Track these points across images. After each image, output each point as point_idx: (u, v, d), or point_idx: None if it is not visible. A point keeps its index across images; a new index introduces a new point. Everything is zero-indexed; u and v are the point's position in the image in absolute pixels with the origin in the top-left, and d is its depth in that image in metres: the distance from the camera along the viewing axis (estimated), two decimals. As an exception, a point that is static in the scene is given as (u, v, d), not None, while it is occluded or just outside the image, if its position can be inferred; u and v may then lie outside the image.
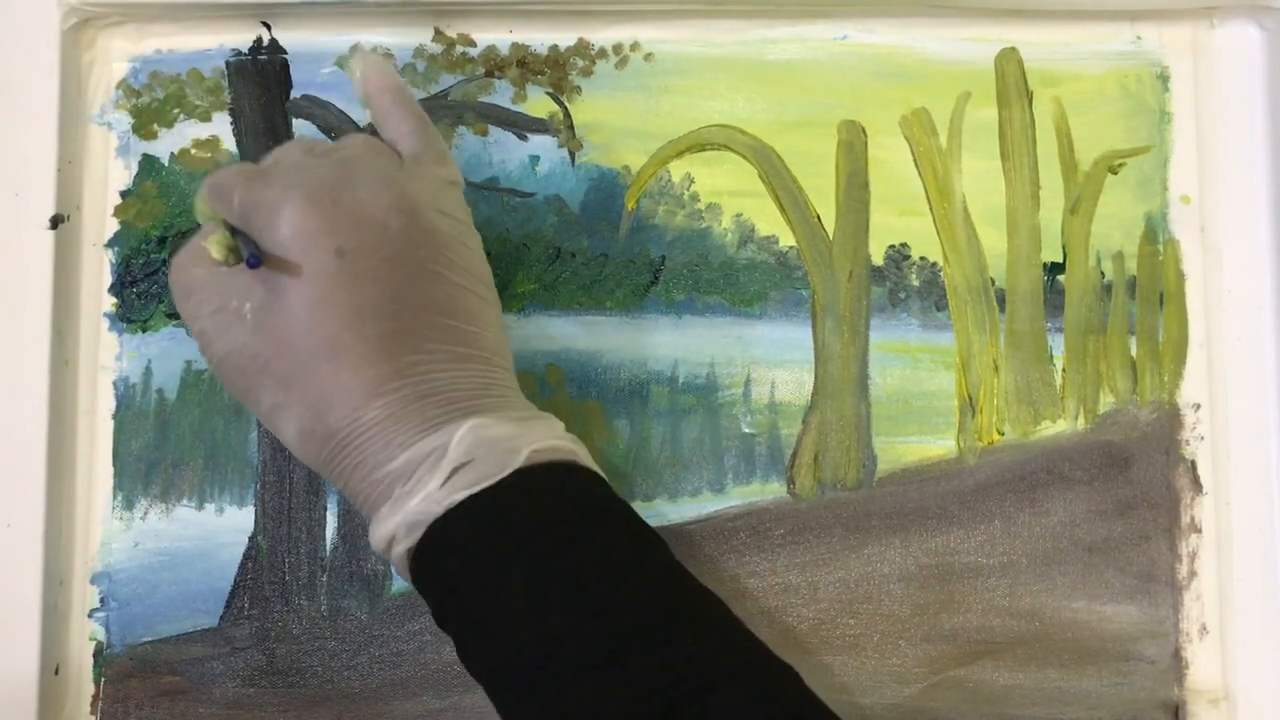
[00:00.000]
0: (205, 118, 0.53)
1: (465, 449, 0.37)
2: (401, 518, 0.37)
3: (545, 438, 0.38)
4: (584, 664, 0.34)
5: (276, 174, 0.40)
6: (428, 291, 0.39)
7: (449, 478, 0.37)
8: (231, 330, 0.39)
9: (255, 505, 0.51)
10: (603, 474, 0.40)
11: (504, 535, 0.36)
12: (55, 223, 0.50)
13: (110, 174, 0.52)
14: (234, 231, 0.41)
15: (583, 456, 0.40)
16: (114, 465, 0.51)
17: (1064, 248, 0.53)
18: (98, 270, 0.52)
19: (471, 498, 0.36)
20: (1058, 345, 0.53)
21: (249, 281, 0.39)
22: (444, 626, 0.38)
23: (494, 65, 0.53)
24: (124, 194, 0.52)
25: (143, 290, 0.52)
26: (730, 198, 0.53)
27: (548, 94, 0.53)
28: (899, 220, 0.53)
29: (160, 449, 0.51)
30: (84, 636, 0.50)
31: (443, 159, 0.43)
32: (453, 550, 0.37)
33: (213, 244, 0.40)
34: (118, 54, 0.53)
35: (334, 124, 0.53)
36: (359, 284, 0.38)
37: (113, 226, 0.52)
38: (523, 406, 0.40)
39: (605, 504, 0.39)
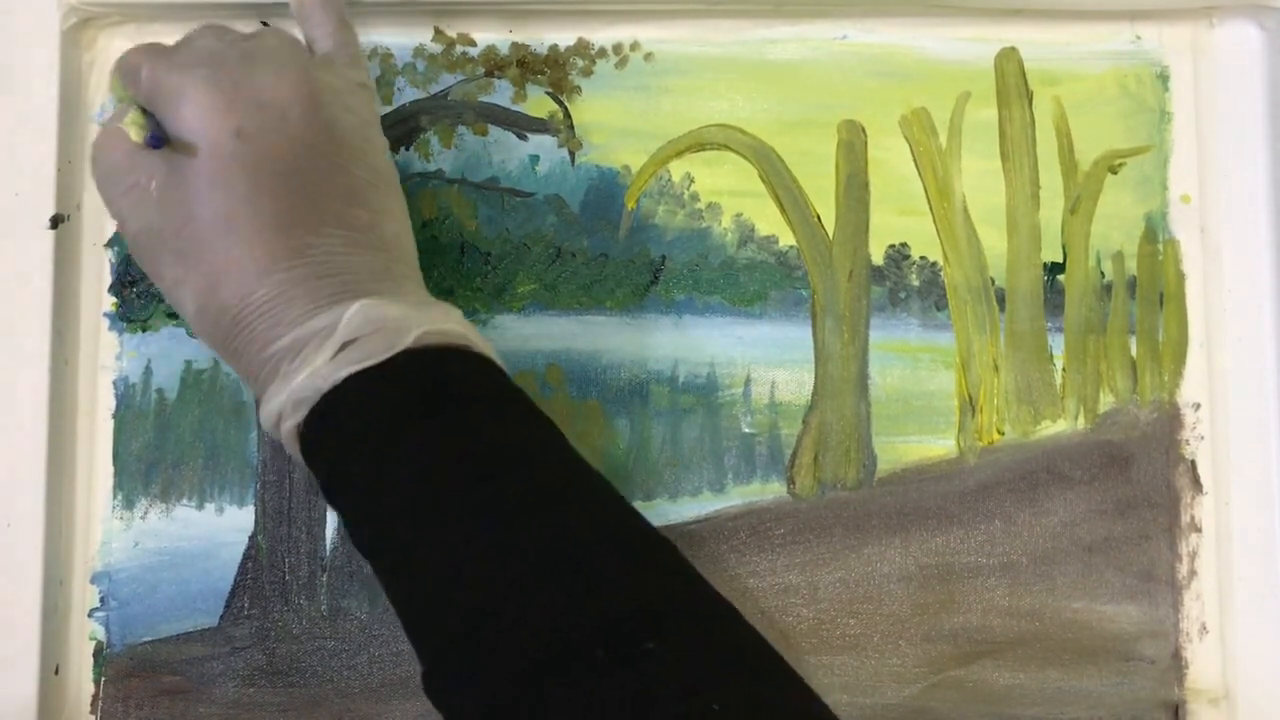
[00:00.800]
0: (205, 117, 0.53)
1: (354, 327, 0.37)
2: (288, 395, 0.37)
3: (437, 321, 0.39)
4: (471, 546, 0.34)
5: (182, 55, 0.41)
6: (326, 179, 0.40)
7: (336, 354, 0.37)
8: (141, 208, 0.40)
9: (255, 505, 0.51)
10: (499, 362, 0.40)
11: (390, 412, 0.36)
12: (55, 222, 0.50)
13: (110, 174, 0.52)
14: (145, 112, 0.41)
15: (476, 342, 0.40)
16: (114, 465, 0.51)
17: (1064, 248, 0.53)
18: (98, 270, 0.52)
19: (358, 374, 0.36)
20: (1058, 345, 0.53)
21: (156, 161, 0.40)
22: (333, 504, 0.38)
23: (494, 65, 0.53)
24: (124, 194, 0.52)
25: (143, 290, 0.52)
26: (730, 198, 0.53)
27: (548, 94, 0.53)
28: (899, 220, 0.53)
29: (160, 449, 0.51)
30: (84, 636, 0.50)
31: (356, 61, 0.44)
32: (339, 426, 0.37)
33: (130, 125, 0.40)
34: (117, 54, 0.52)
35: (334, 124, 0.53)
36: (257, 164, 0.39)
37: (113, 226, 0.52)
38: (421, 295, 0.40)
39: (499, 386, 0.39)
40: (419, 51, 0.53)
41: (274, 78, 0.40)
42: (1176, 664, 0.51)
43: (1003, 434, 0.52)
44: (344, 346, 0.37)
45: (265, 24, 0.48)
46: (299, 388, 0.37)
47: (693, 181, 0.53)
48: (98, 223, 0.52)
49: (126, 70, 0.42)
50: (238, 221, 0.38)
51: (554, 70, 0.53)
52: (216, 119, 0.39)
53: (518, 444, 0.37)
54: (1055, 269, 0.53)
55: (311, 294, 0.38)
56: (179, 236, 0.39)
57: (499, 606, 0.33)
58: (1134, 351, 0.53)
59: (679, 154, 0.53)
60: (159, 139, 0.39)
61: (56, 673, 0.49)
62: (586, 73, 0.53)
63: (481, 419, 0.37)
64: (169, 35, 0.52)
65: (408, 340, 0.37)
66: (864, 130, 0.53)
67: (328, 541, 0.51)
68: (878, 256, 0.53)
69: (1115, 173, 0.53)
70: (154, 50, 0.42)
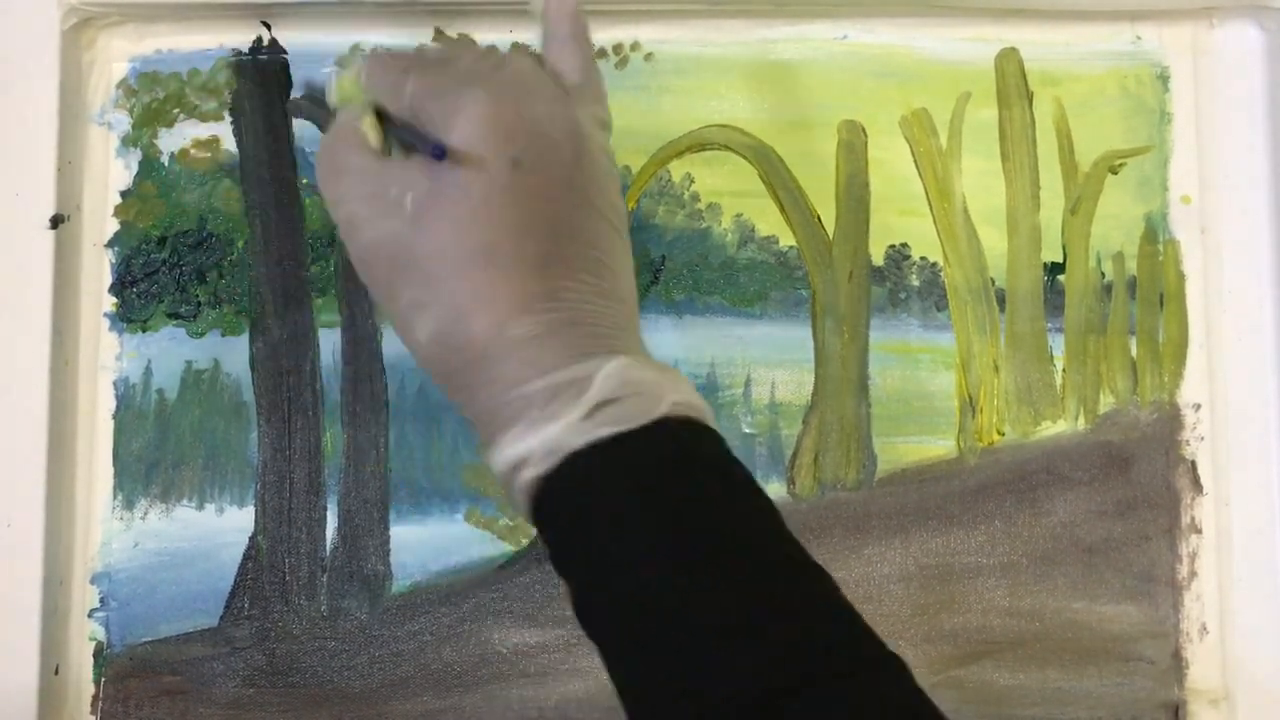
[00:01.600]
0: (205, 117, 0.53)
1: (611, 386, 0.36)
2: (539, 442, 0.36)
3: (684, 392, 0.38)
4: (715, 629, 0.33)
5: (456, 69, 0.39)
6: (585, 221, 0.38)
7: (591, 411, 0.35)
8: (385, 219, 0.38)
9: (255, 505, 0.51)
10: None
11: (646, 481, 0.35)
12: (55, 223, 0.50)
13: (110, 174, 0.52)
14: (382, 118, 0.40)
15: (710, 417, 0.39)
16: (114, 465, 0.51)
17: (1064, 248, 0.53)
18: (98, 270, 0.52)
19: (616, 436, 0.35)
20: (1058, 345, 0.53)
21: (413, 172, 0.38)
22: (562, 565, 0.37)
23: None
24: (124, 194, 0.52)
25: (143, 290, 0.52)
26: (730, 198, 0.53)
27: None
28: (899, 220, 0.53)
29: (160, 449, 0.51)
30: (84, 637, 0.50)
31: (601, 98, 0.42)
32: (590, 485, 0.36)
33: (370, 128, 0.39)
34: (118, 54, 0.53)
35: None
36: (528, 198, 0.37)
37: (113, 226, 0.52)
38: (649, 355, 0.40)
39: (739, 470, 0.38)
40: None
41: (549, 110, 0.39)
42: (1176, 664, 0.51)
43: (1003, 434, 0.52)
44: (601, 404, 0.36)
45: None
46: (550, 439, 0.35)
47: (693, 182, 0.53)
48: (98, 223, 0.52)
49: (385, 72, 0.40)
50: (500, 254, 0.37)
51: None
52: (497, 144, 0.37)
53: (762, 534, 0.36)
54: (1055, 269, 0.53)
55: (565, 342, 0.37)
56: (431, 258, 0.37)
57: (728, 676, 0.33)
58: (1134, 352, 0.53)
59: (679, 154, 0.53)
60: (442, 150, 0.37)
61: (57, 673, 0.49)
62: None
63: (723, 499, 0.36)
64: (169, 35, 0.52)
65: (662, 409, 0.36)
66: (864, 130, 0.53)
67: (328, 542, 0.51)
68: (878, 257, 0.53)
69: (1115, 173, 0.53)
70: (423, 61, 0.40)
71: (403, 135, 0.39)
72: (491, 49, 0.41)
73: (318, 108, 0.43)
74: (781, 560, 0.36)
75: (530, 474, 0.36)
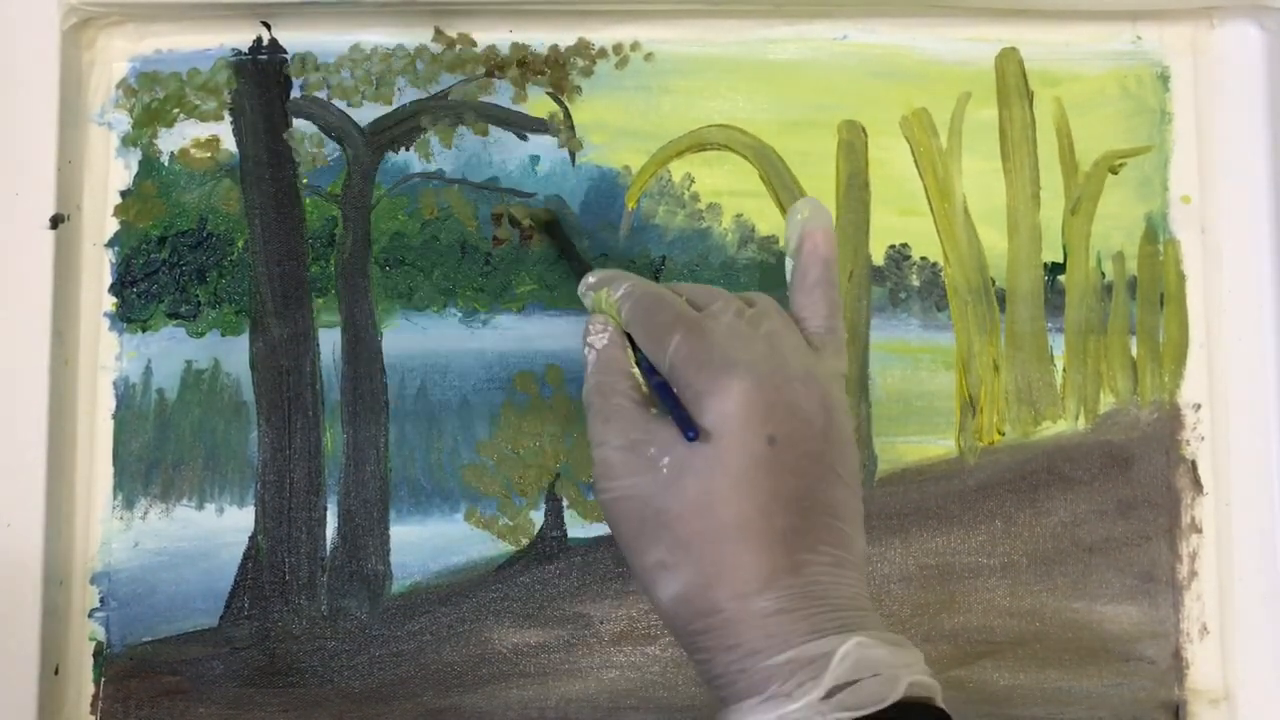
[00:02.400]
0: (205, 117, 0.53)
1: (849, 667, 0.37)
2: (778, 718, 0.37)
3: (918, 671, 0.39)
4: None
5: (717, 336, 0.41)
6: (829, 491, 0.40)
7: (831, 692, 0.37)
8: (641, 474, 0.40)
9: (255, 505, 0.51)
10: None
11: None
12: (55, 222, 0.50)
13: (110, 174, 0.52)
14: (639, 356, 0.42)
15: (939, 696, 0.40)
16: (114, 465, 0.51)
17: (1064, 248, 0.53)
18: (98, 270, 0.52)
19: None
20: (1058, 345, 0.53)
21: (671, 435, 0.40)
22: None
23: (494, 65, 0.53)
24: (124, 194, 0.52)
25: (143, 290, 0.52)
26: (731, 198, 0.53)
27: (548, 94, 0.53)
28: (899, 220, 0.53)
29: (160, 449, 0.51)
30: (84, 636, 0.50)
31: (841, 351, 0.43)
32: None
33: (639, 378, 0.42)
34: (118, 54, 0.53)
35: (334, 123, 0.53)
36: (780, 474, 0.39)
37: (113, 226, 0.52)
38: (879, 621, 0.40)
39: None
40: (419, 52, 0.53)
41: (805, 387, 0.40)
42: (1177, 664, 0.51)
43: (1003, 434, 0.52)
44: (839, 686, 0.37)
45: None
46: (791, 716, 0.36)
47: (693, 182, 0.53)
48: (98, 222, 0.52)
49: (650, 317, 0.42)
50: (752, 529, 0.38)
51: (554, 70, 0.53)
52: (756, 423, 0.39)
53: None
54: (1056, 269, 0.53)
55: (807, 616, 0.38)
56: (683, 525, 0.39)
57: None
58: (1134, 352, 0.53)
59: (679, 154, 0.53)
60: (696, 433, 0.39)
61: (56, 673, 0.49)
62: (587, 73, 0.53)
63: None
64: (169, 35, 0.52)
65: (899, 692, 0.37)
66: (864, 130, 0.53)
67: (328, 542, 0.51)
68: (878, 257, 0.53)
69: (1116, 173, 0.53)
70: (682, 319, 0.41)
71: (663, 393, 0.40)
72: (743, 304, 0.43)
73: (563, 252, 0.49)
74: None
75: None
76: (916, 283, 0.53)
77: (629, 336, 0.43)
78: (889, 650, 0.38)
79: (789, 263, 0.45)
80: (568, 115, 0.53)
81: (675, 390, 0.40)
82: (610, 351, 0.43)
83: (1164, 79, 0.54)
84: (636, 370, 0.42)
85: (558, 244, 0.51)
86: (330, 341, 0.52)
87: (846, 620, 0.39)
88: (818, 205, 0.45)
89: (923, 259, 0.53)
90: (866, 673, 0.37)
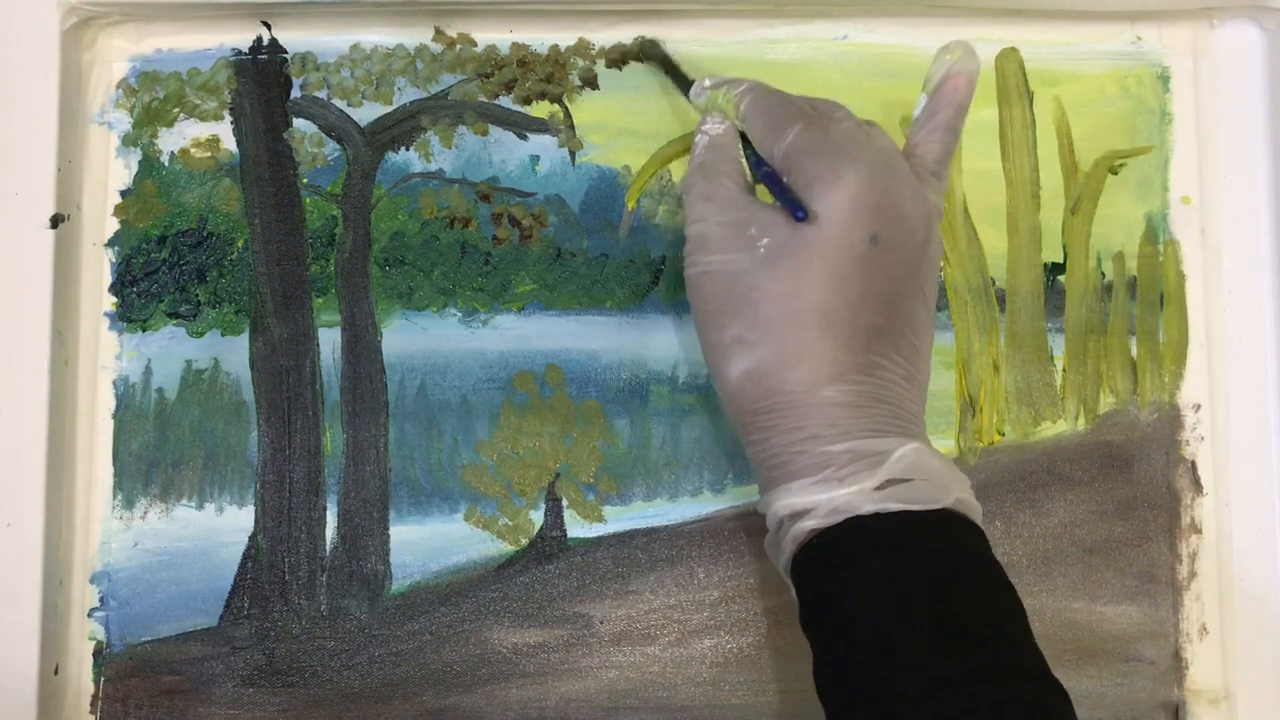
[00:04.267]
0: (205, 117, 0.53)
1: (904, 466, 0.38)
2: (828, 499, 0.37)
3: (966, 490, 0.40)
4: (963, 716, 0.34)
5: (838, 133, 0.41)
6: (913, 305, 0.41)
7: (884, 485, 0.37)
8: (738, 251, 0.40)
9: (255, 505, 0.51)
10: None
11: (923, 563, 0.37)
12: (55, 222, 0.50)
13: (110, 173, 0.52)
14: (751, 148, 0.42)
15: (980, 517, 0.40)
16: (114, 465, 0.51)
17: (1064, 248, 0.53)
18: (98, 270, 0.52)
19: (903, 513, 0.37)
20: (1058, 345, 0.52)
21: (776, 218, 0.40)
22: (811, 624, 0.38)
23: (494, 65, 0.53)
24: (124, 193, 0.52)
25: (143, 290, 0.52)
26: (730, 198, 0.53)
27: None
28: (899, 220, 0.53)
29: (160, 448, 0.51)
30: (84, 636, 0.50)
31: (944, 191, 0.44)
32: (869, 555, 0.37)
33: (745, 163, 0.42)
34: (118, 53, 0.53)
35: (334, 123, 0.53)
36: (875, 273, 0.39)
37: (113, 226, 0.52)
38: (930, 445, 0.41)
39: (1001, 573, 0.39)
40: (419, 52, 0.53)
41: (913, 196, 0.40)
42: (1176, 665, 0.51)
43: (1003, 435, 0.52)
44: (892, 481, 0.38)
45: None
46: (841, 499, 0.37)
47: (693, 182, 0.53)
48: (98, 222, 0.52)
49: (771, 109, 0.42)
50: (837, 319, 0.39)
51: (554, 70, 0.53)
52: (863, 218, 0.39)
53: (1020, 635, 0.38)
54: (1056, 269, 0.53)
55: (871, 414, 0.39)
56: (771, 305, 0.39)
57: None
58: (1134, 352, 0.53)
59: (679, 154, 0.53)
60: (805, 213, 0.39)
61: (56, 672, 0.49)
62: (587, 73, 0.53)
63: (983, 596, 0.38)
64: (169, 35, 0.52)
65: (949, 499, 0.38)
66: (864, 130, 0.53)
67: (327, 542, 0.51)
68: (878, 257, 0.53)
69: (1116, 173, 0.53)
70: (804, 113, 0.42)
71: (772, 181, 0.41)
72: (860, 119, 0.43)
73: (668, 70, 0.49)
74: (1023, 668, 0.37)
75: (807, 526, 0.38)
76: (916, 283, 0.53)
77: (742, 136, 0.43)
78: (942, 463, 0.39)
79: (922, 99, 0.45)
80: (568, 115, 0.53)
81: (785, 180, 0.41)
82: (723, 138, 0.43)
83: (1164, 79, 0.54)
84: (744, 163, 0.42)
85: (662, 65, 0.51)
86: (330, 341, 0.52)
87: (908, 429, 0.39)
88: (970, 51, 0.45)
89: (923, 259, 0.53)
90: (921, 475, 0.38)
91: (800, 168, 0.40)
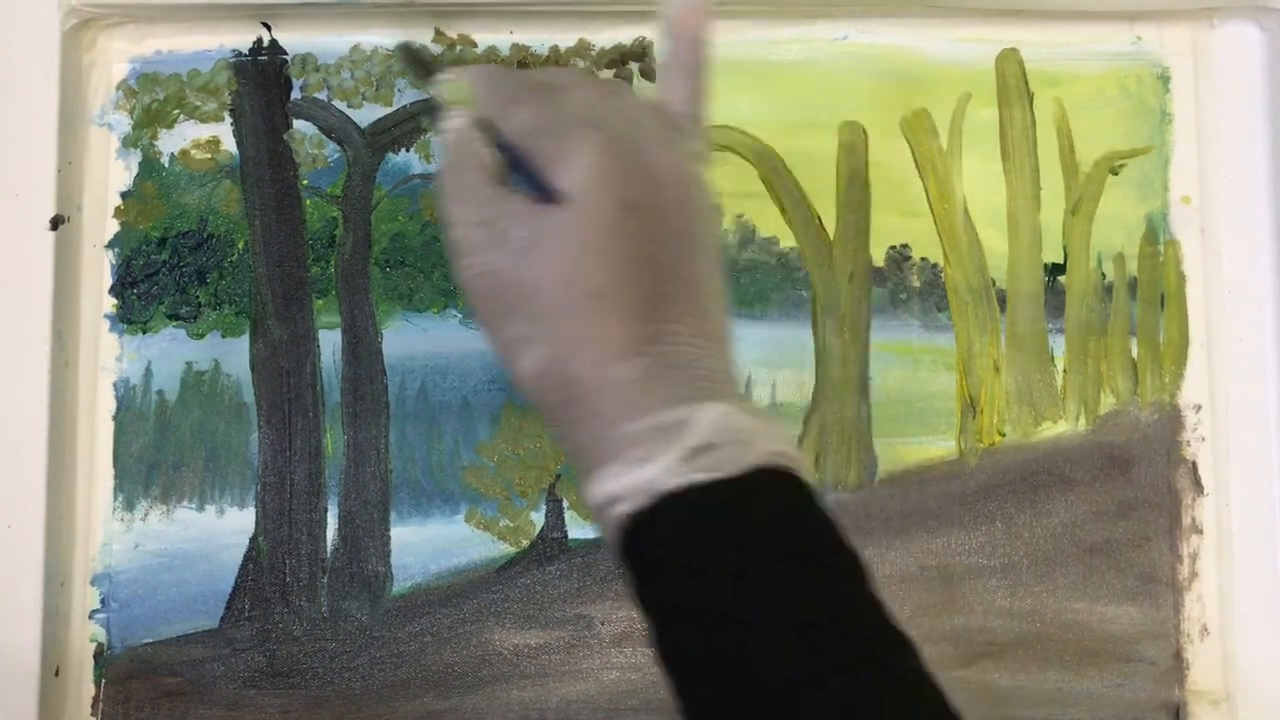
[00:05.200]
0: (205, 118, 0.53)
1: (709, 432, 0.36)
2: (633, 481, 0.36)
3: (780, 441, 0.38)
4: (783, 681, 0.34)
5: (570, 105, 0.40)
6: (690, 263, 0.39)
7: (688, 455, 0.36)
8: (494, 250, 0.39)
9: (256, 507, 0.51)
10: (814, 482, 0.40)
11: (736, 529, 0.36)
12: (55, 224, 0.50)
13: (110, 175, 0.52)
14: (500, 146, 0.40)
15: (804, 468, 0.39)
16: (114, 466, 0.51)
17: (1065, 248, 0.53)
18: (98, 271, 0.52)
19: (710, 482, 0.36)
20: (1059, 346, 0.53)
21: (525, 207, 0.39)
22: (642, 601, 0.38)
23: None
24: (124, 195, 0.52)
25: (143, 291, 0.52)
26: (731, 199, 0.53)
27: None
28: (900, 221, 0.53)
29: (161, 450, 0.51)
30: (84, 638, 0.50)
31: (704, 134, 0.42)
32: (679, 527, 0.36)
33: (488, 152, 0.40)
34: (118, 55, 0.53)
35: (334, 124, 0.53)
36: (637, 242, 0.38)
37: (113, 227, 0.52)
38: (744, 398, 0.40)
39: (829, 524, 0.38)
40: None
41: (659, 152, 0.39)
42: (1177, 665, 0.51)
43: (1004, 435, 0.52)
44: (698, 449, 0.36)
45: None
46: (647, 479, 0.36)
47: (693, 182, 0.53)
48: (98, 224, 0.52)
49: (502, 94, 0.40)
50: (608, 297, 0.37)
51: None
52: (611, 187, 0.38)
53: (846, 591, 0.37)
54: (1056, 270, 0.53)
55: (667, 385, 0.37)
56: (539, 297, 0.38)
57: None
58: (1135, 353, 0.53)
59: (680, 155, 0.53)
60: (550, 195, 0.38)
61: (57, 674, 0.49)
62: (587, 73, 0.53)
63: (807, 551, 0.37)
64: (170, 36, 0.52)
65: (756, 458, 0.37)
66: (865, 132, 0.53)
67: (328, 543, 0.51)
68: (879, 258, 0.53)
69: (1116, 174, 0.53)
70: (536, 90, 0.40)
71: (516, 167, 0.39)
72: (597, 80, 0.42)
73: (420, 74, 0.44)
74: (856, 618, 0.36)
75: (622, 510, 0.37)
76: (917, 283, 0.53)
77: (487, 123, 0.41)
78: (751, 419, 0.37)
79: (660, 43, 0.43)
80: (568, 116, 0.53)
81: (529, 164, 0.39)
82: (464, 135, 0.41)
83: (1164, 79, 0.54)
84: (489, 151, 0.40)
85: (418, 68, 0.46)
86: (331, 343, 0.52)
87: (709, 390, 0.38)
88: None
89: (923, 260, 0.53)
90: (726, 438, 0.36)
91: (538, 148, 0.39)
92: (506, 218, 0.39)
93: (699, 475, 0.36)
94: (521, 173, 0.39)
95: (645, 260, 0.38)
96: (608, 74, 0.53)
